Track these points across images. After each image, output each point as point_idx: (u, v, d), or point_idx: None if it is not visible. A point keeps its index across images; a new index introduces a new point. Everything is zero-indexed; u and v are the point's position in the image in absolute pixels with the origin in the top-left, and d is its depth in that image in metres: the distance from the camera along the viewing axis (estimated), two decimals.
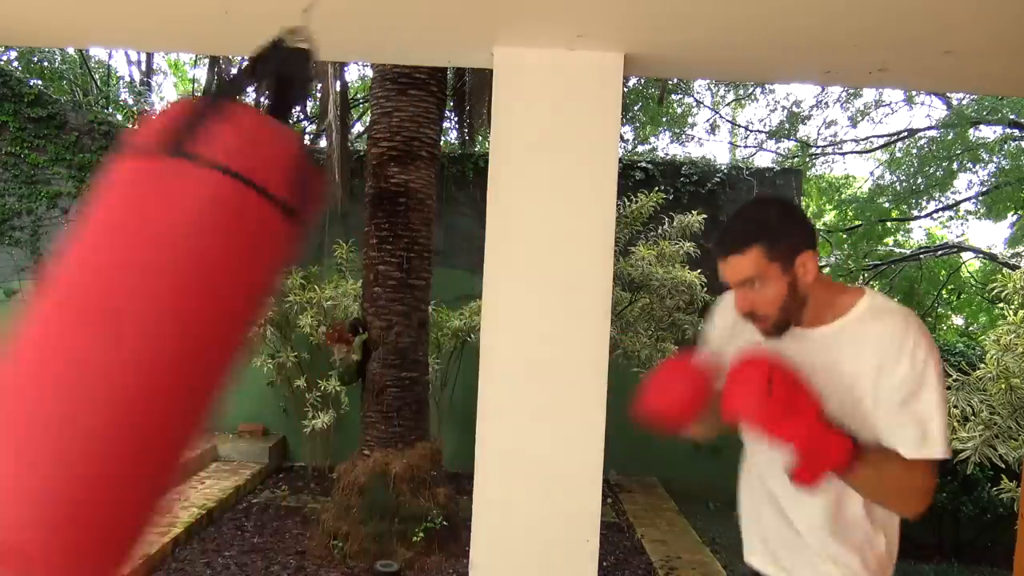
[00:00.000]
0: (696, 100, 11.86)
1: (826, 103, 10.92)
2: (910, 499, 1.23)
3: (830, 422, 1.18)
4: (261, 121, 0.75)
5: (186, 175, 0.68)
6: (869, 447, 1.19)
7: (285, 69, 0.78)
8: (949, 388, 4.06)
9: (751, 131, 12.49)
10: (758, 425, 1.19)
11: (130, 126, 7.74)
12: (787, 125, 11.24)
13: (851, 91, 10.35)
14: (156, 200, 0.67)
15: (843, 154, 11.94)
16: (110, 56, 10.53)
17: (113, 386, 0.64)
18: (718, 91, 11.89)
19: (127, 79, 10.81)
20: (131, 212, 0.68)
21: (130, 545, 0.68)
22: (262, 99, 0.82)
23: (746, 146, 12.71)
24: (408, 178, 4.89)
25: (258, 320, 0.78)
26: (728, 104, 12.59)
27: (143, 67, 10.73)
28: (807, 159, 11.61)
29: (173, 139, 0.68)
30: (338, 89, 6.35)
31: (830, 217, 12.87)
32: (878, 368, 1.22)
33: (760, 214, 1.32)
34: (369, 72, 7.85)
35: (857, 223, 10.92)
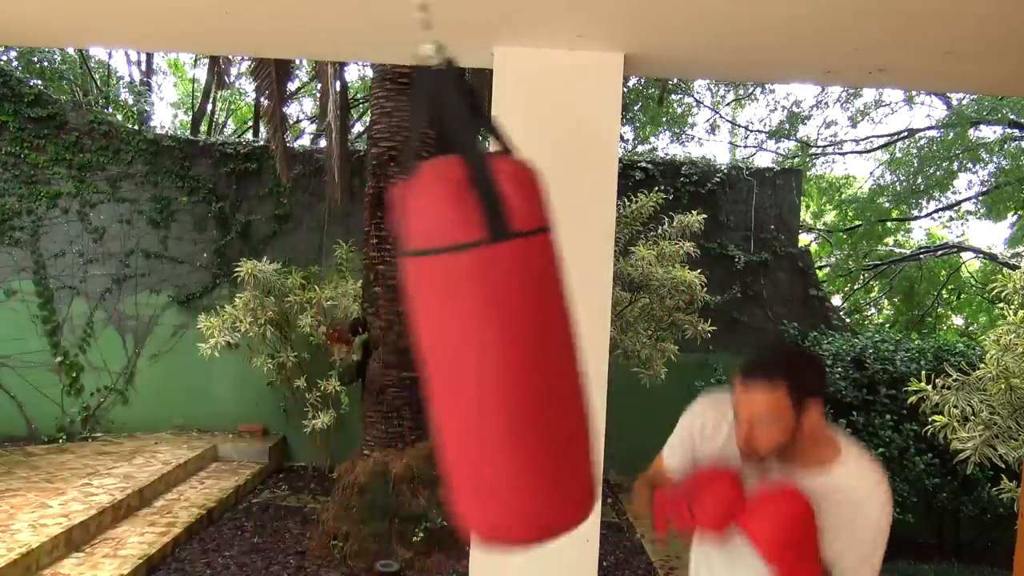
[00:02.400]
0: (696, 100, 11.85)
1: (826, 103, 10.92)
2: None
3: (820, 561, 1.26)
4: (515, 166, 0.81)
5: (525, 252, 0.82)
6: None
7: (447, 92, 0.81)
8: (949, 388, 4.05)
9: (751, 131, 12.50)
10: (770, 552, 1.24)
11: (130, 126, 7.72)
12: (787, 125, 11.23)
13: (851, 91, 10.34)
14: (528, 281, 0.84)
15: (843, 154, 11.95)
16: (110, 56, 10.53)
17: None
18: (718, 91, 11.88)
19: (127, 79, 10.81)
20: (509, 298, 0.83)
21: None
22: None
23: (746, 146, 12.72)
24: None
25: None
26: (728, 104, 12.58)
27: (143, 67, 10.73)
28: (807, 159, 11.60)
29: (490, 225, 0.74)
30: (338, 89, 6.34)
31: (830, 217, 12.86)
32: (852, 520, 1.29)
33: (790, 354, 1.36)
34: (369, 72, 7.84)
35: (857, 223, 10.91)
